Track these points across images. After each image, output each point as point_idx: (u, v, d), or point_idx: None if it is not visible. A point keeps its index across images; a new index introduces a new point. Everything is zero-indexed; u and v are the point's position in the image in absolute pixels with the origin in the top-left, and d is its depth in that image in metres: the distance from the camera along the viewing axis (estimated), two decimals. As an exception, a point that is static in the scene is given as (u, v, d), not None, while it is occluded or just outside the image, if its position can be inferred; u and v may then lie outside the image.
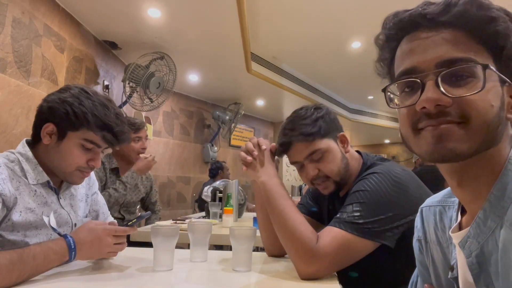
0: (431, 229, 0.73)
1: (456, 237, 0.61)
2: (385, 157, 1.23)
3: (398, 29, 0.59)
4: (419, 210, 0.78)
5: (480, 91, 0.51)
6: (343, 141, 1.15)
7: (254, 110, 6.60)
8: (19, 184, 0.96)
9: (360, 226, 0.95)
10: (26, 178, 0.98)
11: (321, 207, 1.32)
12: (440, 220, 0.70)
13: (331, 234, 0.95)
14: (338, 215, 0.99)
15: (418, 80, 0.54)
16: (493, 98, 0.52)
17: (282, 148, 1.13)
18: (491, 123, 0.52)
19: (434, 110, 0.52)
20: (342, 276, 1.01)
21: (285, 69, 4.89)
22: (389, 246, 0.96)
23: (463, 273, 0.60)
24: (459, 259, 0.61)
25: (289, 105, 6.35)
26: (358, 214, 0.96)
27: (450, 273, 0.63)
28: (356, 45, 4.02)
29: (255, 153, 1.13)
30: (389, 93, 0.60)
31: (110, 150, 1.93)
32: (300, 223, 0.98)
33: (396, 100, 0.60)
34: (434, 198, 0.75)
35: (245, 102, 5.75)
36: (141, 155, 2.25)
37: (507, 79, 0.54)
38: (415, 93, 0.55)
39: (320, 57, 4.43)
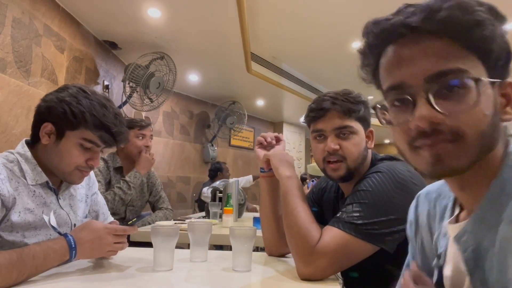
0: (424, 215, 0.73)
1: (452, 229, 0.60)
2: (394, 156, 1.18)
3: (381, 40, 0.56)
4: (415, 197, 0.78)
5: (472, 104, 0.50)
6: (370, 137, 1.14)
7: (254, 110, 6.60)
8: (18, 184, 0.96)
9: (359, 227, 0.92)
10: (25, 179, 0.98)
11: (324, 209, 1.31)
12: (434, 207, 0.70)
13: (330, 234, 0.94)
14: (338, 215, 0.98)
15: (409, 98, 0.53)
16: (486, 107, 0.51)
17: (315, 114, 1.10)
18: (485, 133, 0.51)
19: (429, 129, 0.51)
20: (342, 275, 1.00)
21: (285, 69, 4.88)
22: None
23: (455, 265, 0.60)
24: (451, 251, 0.61)
25: (289, 105, 6.35)
26: (358, 214, 0.94)
27: (436, 260, 0.64)
28: (356, 45, 4.02)
29: (271, 140, 1.26)
30: (379, 109, 0.58)
31: (111, 149, 1.92)
32: (309, 222, 0.98)
33: (387, 115, 0.58)
34: (433, 186, 0.74)
35: (245, 102, 5.75)
36: (142, 154, 2.25)
37: (497, 79, 0.53)
38: (406, 108, 0.54)
39: (320, 57, 4.42)
